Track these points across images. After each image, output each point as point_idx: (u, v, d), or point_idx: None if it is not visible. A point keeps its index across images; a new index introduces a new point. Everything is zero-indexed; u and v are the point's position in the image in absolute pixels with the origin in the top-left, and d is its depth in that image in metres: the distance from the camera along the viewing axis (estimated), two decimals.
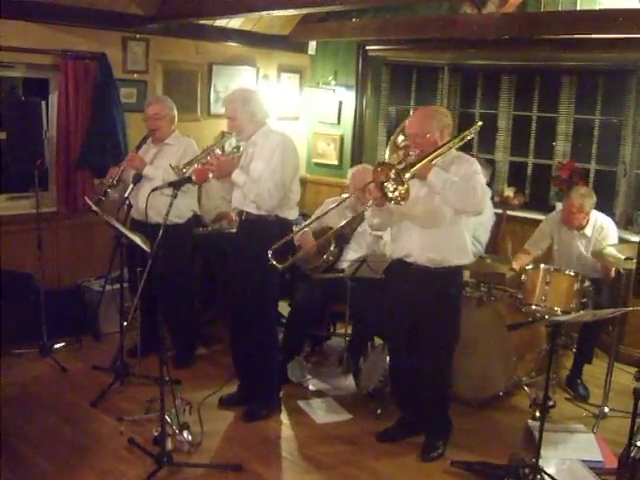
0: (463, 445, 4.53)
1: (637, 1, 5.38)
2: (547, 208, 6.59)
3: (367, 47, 7.76)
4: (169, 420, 4.21)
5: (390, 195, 3.78)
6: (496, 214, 6.09)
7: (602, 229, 5.54)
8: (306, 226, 5.28)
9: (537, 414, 4.80)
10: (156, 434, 4.21)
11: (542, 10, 6.17)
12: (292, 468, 4.28)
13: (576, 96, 6.94)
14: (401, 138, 4.38)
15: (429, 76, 7.88)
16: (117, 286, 5.45)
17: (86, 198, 5.21)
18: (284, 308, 5.67)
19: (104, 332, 6.07)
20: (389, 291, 4.47)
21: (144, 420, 4.58)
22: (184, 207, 5.30)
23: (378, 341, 5.59)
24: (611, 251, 5.03)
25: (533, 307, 5.02)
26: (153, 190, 4.53)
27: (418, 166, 3.84)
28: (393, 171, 3.75)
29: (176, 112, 5.46)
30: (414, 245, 4.17)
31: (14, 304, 5.60)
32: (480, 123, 4.40)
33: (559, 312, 4.87)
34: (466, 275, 5.32)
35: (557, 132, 7.07)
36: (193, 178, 4.54)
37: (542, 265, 5.12)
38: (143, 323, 5.31)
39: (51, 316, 5.64)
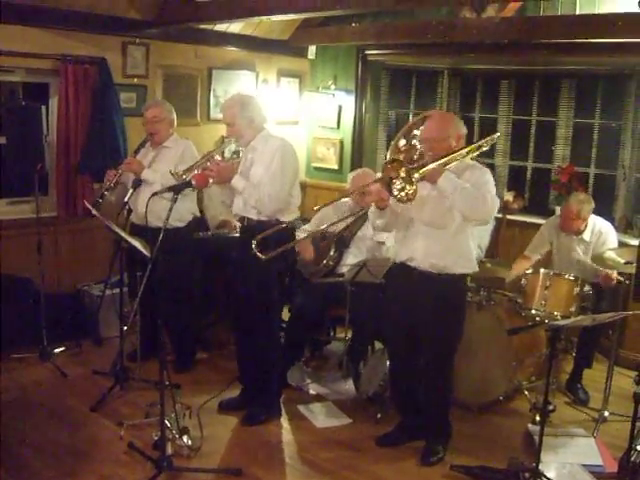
0: (463, 449, 4.52)
1: (636, 5, 5.38)
2: (547, 212, 6.60)
3: (367, 52, 7.77)
4: (169, 424, 4.21)
5: (396, 193, 3.78)
6: (496, 218, 6.07)
7: (601, 234, 5.54)
8: (311, 235, 5.29)
9: (537, 418, 4.81)
10: (156, 438, 4.21)
11: (541, 14, 6.18)
12: (292, 473, 4.27)
13: (575, 100, 6.94)
14: (403, 142, 4.37)
15: (429, 80, 7.89)
16: (117, 290, 5.46)
17: (85, 202, 5.21)
18: (284, 313, 5.66)
19: (104, 336, 6.07)
20: (390, 294, 4.47)
21: (144, 424, 4.58)
22: (184, 210, 5.30)
23: (378, 345, 5.58)
24: (611, 255, 5.03)
25: (533, 311, 5.03)
26: (153, 195, 4.54)
27: (429, 167, 3.85)
28: (404, 169, 3.75)
29: (175, 116, 5.46)
30: (418, 250, 4.16)
31: (14, 308, 5.60)
32: (498, 134, 4.42)
33: (559, 316, 4.89)
34: None
35: (556, 136, 7.07)
36: (193, 183, 4.54)
37: (542, 269, 5.12)
38: (143, 327, 5.31)
39: (51, 321, 5.64)
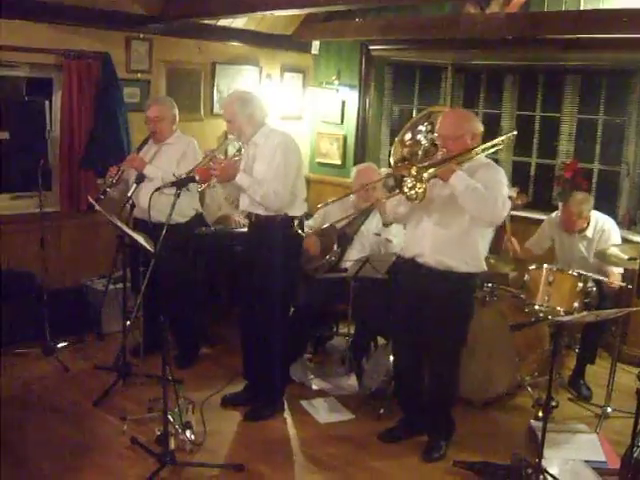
0: (465, 445, 4.52)
1: None
2: (550, 208, 6.58)
3: (370, 47, 7.75)
4: (172, 419, 4.22)
5: (406, 191, 3.78)
6: None
7: (603, 231, 5.52)
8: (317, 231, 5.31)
9: (540, 414, 4.80)
10: (159, 433, 4.22)
11: (546, 10, 6.16)
12: (295, 468, 4.28)
13: (579, 96, 6.92)
14: (408, 136, 4.37)
15: (432, 76, 7.87)
16: (120, 285, 5.45)
17: (89, 197, 5.21)
18: None
19: (107, 331, 6.07)
20: (398, 290, 4.46)
21: (147, 419, 4.58)
22: (186, 206, 5.28)
23: (381, 341, 5.59)
24: (614, 252, 5.02)
25: (536, 307, 5.01)
26: (157, 190, 4.55)
27: (440, 168, 3.84)
28: (415, 168, 3.75)
29: (177, 112, 5.46)
30: (426, 247, 4.16)
31: (17, 304, 5.61)
32: (514, 132, 4.40)
33: (562, 312, 4.87)
34: None
35: (560, 132, 7.05)
36: (196, 178, 4.55)
37: (545, 265, 5.11)
38: (146, 322, 5.32)
39: (54, 316, 5.64)
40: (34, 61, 5.87)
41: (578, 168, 6.72)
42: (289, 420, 4.86)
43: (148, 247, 4.54)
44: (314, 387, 5.34)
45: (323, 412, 4.96)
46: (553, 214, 5.86)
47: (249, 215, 4.66)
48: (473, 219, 4.00)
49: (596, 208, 5.59)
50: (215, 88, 7.26)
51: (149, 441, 4.29)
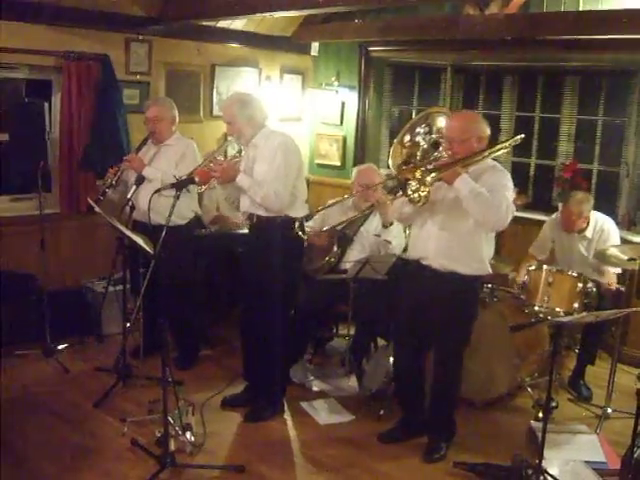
0: (466, 446, 4.52)
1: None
2: (550, 209, 6.58)
3: (369, 48, 7.76)
4: (172, 421, 4.22)
5: (410, 193, 3.78)
6: None
7: (602, 231, 5.53)
8: (328, 230, 5.31)
9: (540, 415, 4.81)
10: (159, 435, 4.22)
11: (545, 10, 6.17)
12: (295, 469, 4.28)
13: (579, 97, 6.92)
14: (407, 138, 4.37)
15: (432, 77, 7.87)
16: (120, 287, 5.45)
17: (88, 199, 5.22)
18: None
19: (107, 333, 6.07)
20: (400, 290, 4.46)
21: (147, 421, 4.58)
22: (185, 208, 5.28)
23: (381, 342, 5.59)
24: (614, 252, 5.02)
25: (536, 308, 5.01)
26: (156, 192, 4.55)
27: (445, 173, 3.84)
28: (419, 171, 3.75)
29: (176, 113, 5.46)
30: (430, 249, 4.16)
31: (17, 305, 5.61)
32: (522, 136, 4.39)
33: (562, 313, 4.87)
34: None
35: (560, 133, 7.05)
36: (196, 179, 4.55)
37: (545, 266, 5.11)
38: (146, 324, 5.32)
39: (54, 317, 5.64)
40: (33, 63, 5.88)
41: (578, 169, 6.73)
42: (289, 421, 4.85)
43: (148, 249, 4.54)
44: (314, 388, 5.34)
45: (323, 413, 4.96)
46: (553, 215, 5.85)
47: (250, 216, 4.66)
48: (477, 223, 4.00)
49: (596, 209, 5.59)
50: (214, 90, 7.26)
51: (149, 443, 4.29)
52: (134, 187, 5.20)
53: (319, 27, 7.64)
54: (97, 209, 4.93)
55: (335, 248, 5.36)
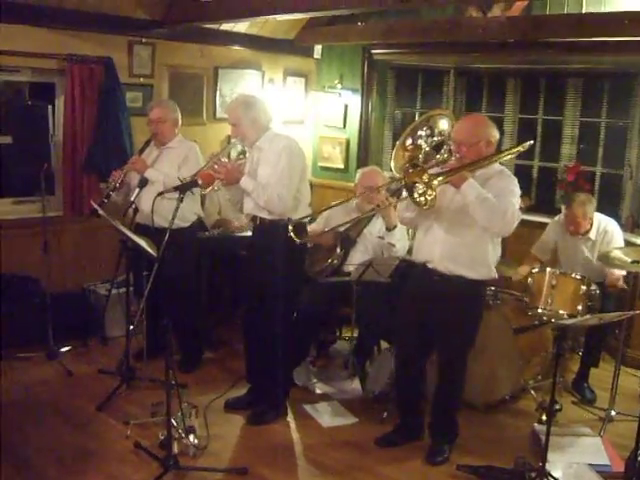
0: (469, 449, 4.52)
1: None
2: (553, 211, 6.57)
3: (373, 51, 7.76)
4: (175, 424, 4.22)
5: (416, 197, 3.77)
6: None
7: (606, 233, 5.52)
8: (332, 229, 5.30)
9: (543, 418, 4.79)
10: (162, 438, 4.23)
11: (547, 13, 6.17)
12: (298, 472, 4.27)
13: (582, 99, 6.92)
14: (409, 141, 4.37)
15: (435, 79, 7.87)
16: (123, 290, 5.46)
17: (92, 202, 5.22)
18: None
19: (110, 336, 6.07)
20: (406, 294, 4.45)
21: (150, 424, 4.58)
22: (188, 211, 5.28)
23: (384, 345, 5.59)
24: (617, 254, 5.02)
25: (539, 311, 5.00)
26: (159, 194, 4.55)
27: (452, 177, 3.83)
28: (426, 175, 3.74)
29: (180, 115, 5.47)
30: (436, 253, 4.15)
31: (20, 308, 5.62)
32: (531, 142, 4.38)
33: (565, 316, 4.86)
34: None
35: (563, 135, 7.05)
36: (199, 182, 4.55)
37: (548, 268, 5.10)
38: (149, 327, 5.32)
39: (57, 320, 5.65)
40: (37, 66, 5.88)
41: (581, 171, 6.73)
42: (292, 424, 4.85)
43: (151, 251, 4.54)
44: (317, 391, 5.34)
45: (326, 416, 4.95)
46: (556, 217, 5.85)
47: (254, 218, 4.67)
48: (483, 229, 3.99)
49: (599, 211, 5.59)
50: (218, 92, 7.26)
51: (152, 445, 4.29)
52: (137, 190, 5.20)
53: (322, 30, 7.64)
54: (101, 212, 4.93)
55: (338, 250, 5.36)
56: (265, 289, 4.61)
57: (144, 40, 6.47)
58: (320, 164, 8.38)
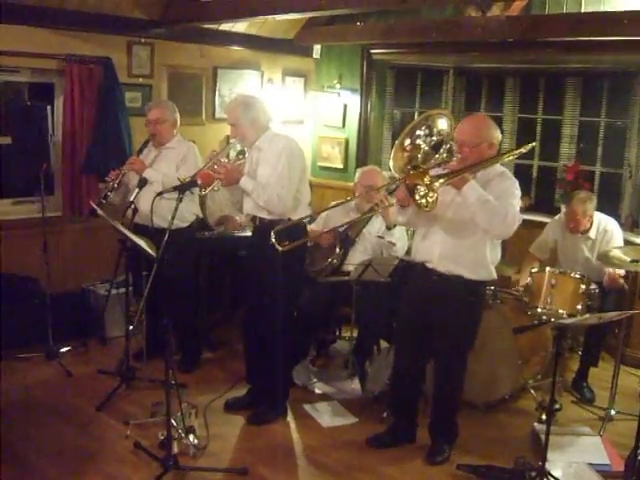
0: (469, 448, 4.51)
1: None
2: (553, 210, 6.58)
3: (372, 51, 7.77)
4: (175, 424, 4.21)
5: (418, 199, 3.77)
6: None
7: (606, 232, 5.52)
8: (331, 230, 5.30)
9: (543, 417, 4.80)
10: (162, 438, 4.22)
11: (547, 12, 6.17)
12: (298, 472, 4.27)
13: (581, 98, 6.92)
14: (408, 141, 4.36)
15: (434, 79, 7.87)
16: (123, 290, 5.46)
17: (91, 202, 5.22)
18: None
19: (110, 336, 6.07)
20: (405, 294, 4.45)
21: (150, 424, 4.58)
22: (186, 211, 5.27)
23: (384, 344, 5.59)
24: (617, 253, 5.01)
25: (539, 310, 5.00)
26: (159, 194, 4.54)
27: (454, 179, 3.82)
28: (428, 177, 3.73)
29: (178, 115, 5.46)
30: (435, 253, 4.14)
31: (20, 308, 5.62)
32: (533, 143, 4.38)
33: (565, 315, 4.86)
34: None
35: (562, 134, 7.06)
36: (198, 182, 4.55)
37: (548, 268, 5.10)
38: (149, 327, 5.32)
39: (57, 320, 5.65)
40: (36, 66, 5.88)
41: (580, 170, 6.73)
42: (292, 424, 4.85)
43: (150, 251, 4.54)
44: (317, 391, 5.33)
45: (326, 416, 4.95)
46: (556, 217, 5.85)
47: (253, 218, 4.67)
48: (483, 231, 3.99)
49: (598, 210, 5.58)
50: (217, 92, 7.27)
51: (152, 445, 4.29)
52: (136, 190, 5.20)
53: (321, 30, 7.65)
54: (100, 212, 4.93)
55: (337, 250, 5.37)
56: (265, 289, 4.61)
57: (143, 40, 6.47)
58: (319, 164, 8.38)
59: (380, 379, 5.09)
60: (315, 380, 5.43)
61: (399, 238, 5.37)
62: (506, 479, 4.08)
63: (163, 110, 5.38)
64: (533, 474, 3.97)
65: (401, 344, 4.56)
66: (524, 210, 6.32)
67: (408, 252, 5.39)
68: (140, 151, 5.44)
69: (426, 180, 3.73)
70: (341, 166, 8.17)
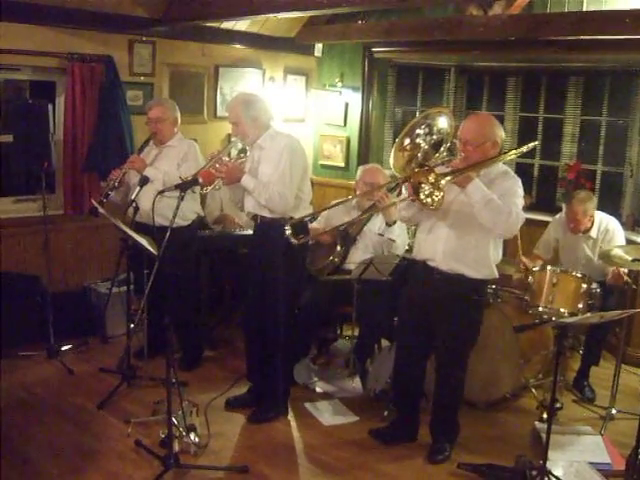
0: (470, 447, 4.52)
1: None
2: (554, 209, 6.57)
3: (373, 49, 7.76)
4: (176, 422, 4.21)
5: (423, 198, 3.76)
6: None
7: (607, 231, 5.52)
8: (335, 228, 5.30)
9: (544, 416, 4.80)
10: (163, 436, 4.23)
11: (548, 11, 6.16)
12: (299, 470, 4.27)
13: (582, 97, 6.93)
14: (407, 140, 4.36)
15: (435, 78, 7.88)
16: (124, 288, 5.46)
17: (92, 200, 5.22)
18: None
19: (111, 334, 6.07)
20: (407, 291, 4.45)
21: (151, 422, 4.58)
22: (187, 210, 5.27)
23: (385, 343, 5.58)
24: (618, 252, 5.01)
25: (540, 309, 5.00)
26: (160, 193, 4.54)
27: (459, 177, 3.82)
28: (433, 175, 3.73)
29: (179, 114, 5.46)
30: (438, 251, 4.14)
31: (21, 306, 5.62)
32: (535, 142, 4.38)
33: (566, 314, 4.86)
34: None
35: (563, 133, 7.06)
36: (200, 180, 4.55)
37: (549, 267, 5.11)
38: (150, 325, 5.32)
39: (58, 318, 5.65)
40: (37, 64, 5.88)
41: (581, 169, 6.73)
42: (293, 422, 4.85)
43: (151, 250, 4.54)
44: (318, 389, 5.33)
45: (327, 414, 4.95)
46: (557, 216, 5.85)
47: (254, 217, 4.66)
48: (486, 229, 3.99)
49: (600, 209, 5.58)
50: (218, 91, 7.26)
51: (153, 444, 4.29)
52: (138, 188, 5.19)
53: (323, 28, 7.64)
54: (101, 210, 4.94)
55: (338, 248, 5.37)
56: (266, 288, 4.61)
57: (144, 38, 6.47)
58: (321, 162, 8.38)
59: (381, 378, 5.08)
60: (316, 379, 5.43)
61: (399, 235, 5.37)
62: (507, 478, 4.07)
63: (163, 108, 5.37)
64: (534, 473, 3.97)
65: (402, 343, 4.55)
66: (525, 209, 6.35)
67: (409, 250, 5.40)
68: (141, 149, 5.44)
69: (431, 178, 3.73)
70: (342, 164, 8.17)
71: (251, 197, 4.55)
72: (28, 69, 5.92)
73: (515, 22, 6.01)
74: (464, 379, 4.45)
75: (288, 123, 7.72)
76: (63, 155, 6.08)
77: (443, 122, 4.35)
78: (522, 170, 7.28)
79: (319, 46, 8.12)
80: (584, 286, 4.94)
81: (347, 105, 8.06)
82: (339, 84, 8.02)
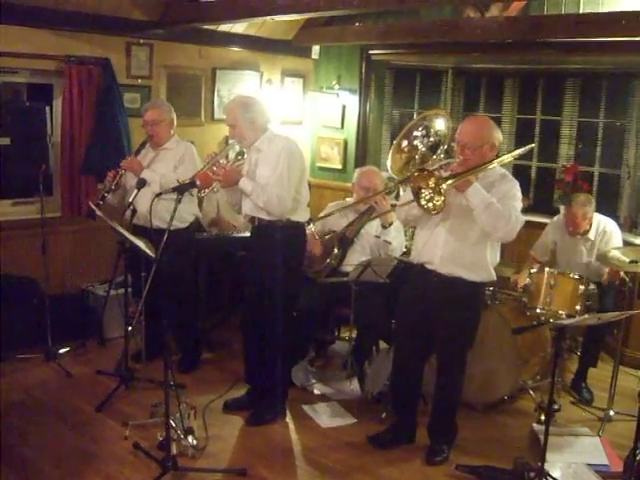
0: (468, 449, 4.52)
1: None
2: (551, 211, 6.59)
3: (370, 51, 7.77)
4: (174, 424, 4.22)
5: (424, 203, 3.76)
6: None
7: (605, 233, 5.52)
8: (330, 237, 5.31)
9: (542, 418, 4.81)
10: (161, 439, 4.22)
11: (545, 13, 6.17)
12: (297, 473, 4.27)
13: (580, 99, 6.94)
14: (405, 142, 4.36)
15: (433, 80, 7.89)
16: (121, 291, 5.46)
17: (90, 203, 5.22)
18: None
19: (109, 337, 6.07)
20: (405, 294, 4.45)
21: (149, 425, 4.57)
22: (186, 212, 5.28)
23: (383, 345, 5.59)
24: (615, 254, 5.02)
25: (538, 311, 5.01)
26: (157, 195, 4.54)
27: (459, 181, 3.82)
28: (433, 179, 3.72)
29: (175, 116, 5.45)
30: (437, 255, 4.14)
31: (18, 309, 5.61)
32: (532, 145, 4.38)
33: (564, 315, 4.87)
34: None
35: (561, 135, 7.07)
36: (197, 183, 4.55)
37: (547, 268, 5.11)
38: (147, 328, 5.31)
39: (56, 321, 5.64)
40: (35, 67, 5.87)
41: (579, 171, 6.74)
42: (291, 425, 4.85)
43: (149, 252, 4.54)
44: (316, 392, 5.33)
45: (325, 417, 4.95)
46: (555, 218, 5.85)
47: (252, 219, 4.66)
48: (486, 233, 3.99)
49: (597, 211, 5.58)
50: (216, 93, 7.26)
51: (151, 446, 4.28)
52: (135, 191, 5.19)
53: (320, 30, 7.65)
54: (99, 213, 4.94)
55: (336, 250, 5.36)
56: (264, 290, 4.61)
57: (142, 41, 6.46)
58: (318, 164, 8.39)
59: (379, 380, 5.08)
60: (314, 381, 5.43)
61: (395, 237, 5.37)
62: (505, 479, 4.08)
63: (159, 111, 5.37)
64: (532, 474, 3.97)
65: (400, 345, 4.55)
66: (522, 211, 6.35)
67: (406, 252, 5.41)
68: (138, 152, 5.44)
69: (431, 183, 3.72)
70: (340, 167, 8.18)
71: (249, 200, 4.55)
72: (26, 72, 5.91)
73: (512, 24, 6.02)
74: (462, 381, 4.45)
75: (285, 125, 7.73)
76: (61, 157, 6.08)
77: (440, 124, 4.36)
78: (519, 172, 7.29)
79: (316, 48, 8.13)
80: (582, 288, 4.95)
81: (344, 107, 8.06)
82: (336, 86, 8.03)
